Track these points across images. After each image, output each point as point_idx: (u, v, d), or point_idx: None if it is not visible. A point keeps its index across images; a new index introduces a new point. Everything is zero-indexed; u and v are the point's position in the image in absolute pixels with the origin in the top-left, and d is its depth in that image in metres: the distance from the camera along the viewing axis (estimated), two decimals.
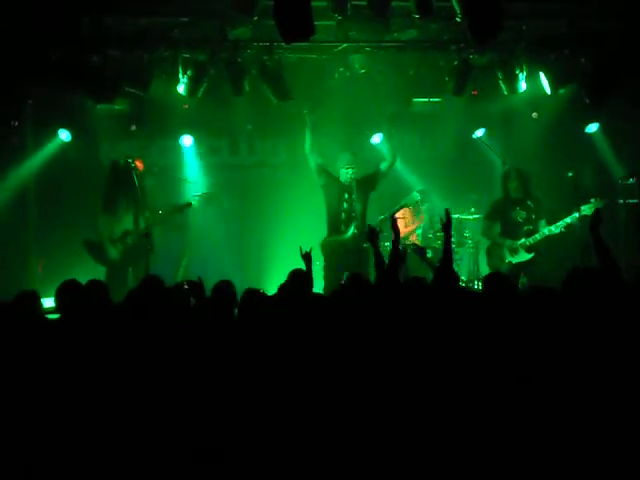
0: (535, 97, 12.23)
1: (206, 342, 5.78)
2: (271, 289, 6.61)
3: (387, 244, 12.66)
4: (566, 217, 10.92)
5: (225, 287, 6.63)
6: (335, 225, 11.13)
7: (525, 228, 11.16)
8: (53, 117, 12.49)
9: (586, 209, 10.65)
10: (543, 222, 11.17)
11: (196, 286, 6.71)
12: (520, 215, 11.16)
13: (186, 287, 6.81)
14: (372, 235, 8.01)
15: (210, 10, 10.80)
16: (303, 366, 5.44)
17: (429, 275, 8.58)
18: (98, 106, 11.77)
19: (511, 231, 11.22)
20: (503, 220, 11.32)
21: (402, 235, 12.70)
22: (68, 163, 12.80)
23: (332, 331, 5.80)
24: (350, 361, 5.47)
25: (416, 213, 12.88)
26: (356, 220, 11.11)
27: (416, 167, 13.79)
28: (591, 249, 10.56)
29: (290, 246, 12.13)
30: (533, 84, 11.77)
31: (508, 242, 11.17)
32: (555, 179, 12.83)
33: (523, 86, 11.66)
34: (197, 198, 12.28)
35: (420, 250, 8.80)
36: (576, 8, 11.01)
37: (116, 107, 12.06)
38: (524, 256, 11.09)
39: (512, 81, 11.63)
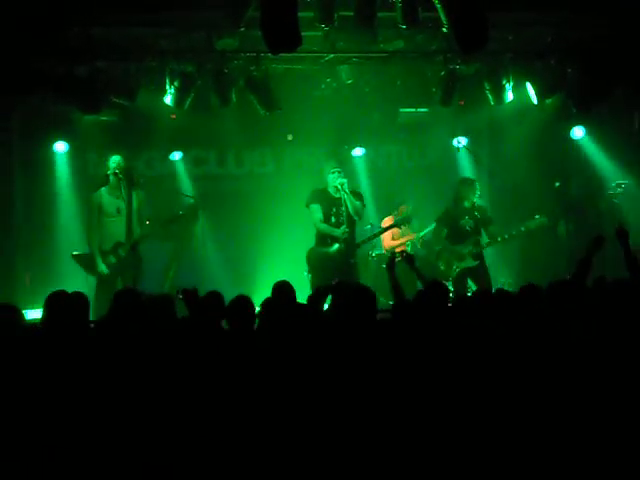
0: (522, 107, 12.23)
1: (193, 353, 5.74)
2: (258, 298, 6.58)
3: (374, 253, 12.69)
4: (512, 230, 11.63)
5: (213, 299, 6.57)
6: (322, 237, 11.07)
7: (472, 237, 11.54)
8: (40, 128, 12.48)
9: (530, 224, 11.51)
10: (491, 229, 11.63)
11: (191, 295, 6.65)
12: (469, 224, 11.57)
13: (180, 296, 6.77)
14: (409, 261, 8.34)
15: (197, 21, 10.80)
16: (297, 378, 5.42)
17: (417, 283, 8.60)
18: (85, 117, 11.71)
19: (459, 238, 11.60)
20: (452, 227, 11.66)
21: (388, 247, 12.75)
22: (56, 174, 12.80)
23: (325, 342, 5.80)
24: (346, 374, 5.45)
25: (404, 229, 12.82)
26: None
27: (403, 177, 13.82)
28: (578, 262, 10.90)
29: (278, 255, 12.21)
30: (520, 94, 11.79)
31: (457, 248, 11.59)
32: (542, 189, 12.88)
33: (510, 96, 11.67)
34: (186, 209, 12.29)
35: (409, 258, 8.78)
36: (562, 18, 11.03)
37: (103, 118, 12.02)
38: (470, 262, 11.50)
39: (499, 91, 11.62)
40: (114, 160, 11.04)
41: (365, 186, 12.43)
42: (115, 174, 10.95)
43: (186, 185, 13.42)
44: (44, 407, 5.20)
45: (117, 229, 10.97)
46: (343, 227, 10.88)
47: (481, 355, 5.52)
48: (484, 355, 5.52)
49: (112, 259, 11.01)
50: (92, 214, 11.11)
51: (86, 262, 11.15)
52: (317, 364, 5.54)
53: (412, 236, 12.82)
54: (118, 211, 11.00)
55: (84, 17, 10.38)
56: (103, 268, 10.93)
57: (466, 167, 13.46)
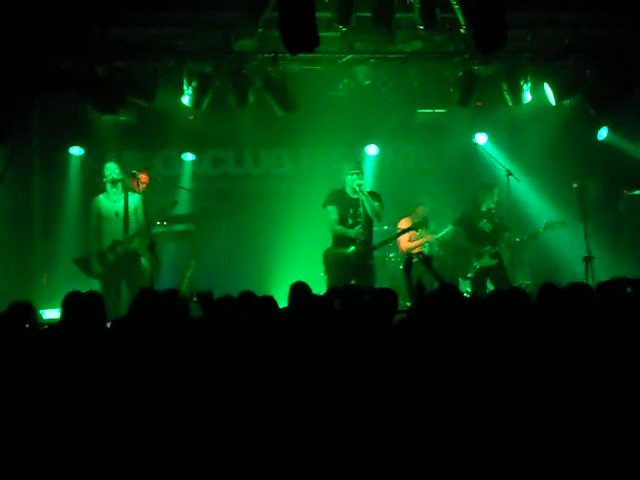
0: (541, 108, 12.19)
1: (215, 354, 5.73)
2: (276, 299, 6.58)
3: (391, 255, 12.69)
4: (531, 231, 12.32)
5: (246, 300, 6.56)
6: (339, 238, 11.01)
7: (490, 238, 11.80)
8: (59, 129, 12.53)
9: (548, 225, 12.19)
10: (506, 235, 11.95)
11: (205, 298, 6.66)
12: (487, 227, 11.84)
13: (195, 299, 6.77)
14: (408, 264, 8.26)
15: (215, 21, 10.82)
16: (320, 381, 5.42)
17: (435, 284, 8.57)
18: (103, 117, 11.75)
19: (477, 239, 11.85)
20: (470, 228, 11.93)
21: (405, 249, 12.73)
22: (74, 174, 12.87)
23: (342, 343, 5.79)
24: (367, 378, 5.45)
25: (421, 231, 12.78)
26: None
27: (420, 178, 13.81)
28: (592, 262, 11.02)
29: (295, 256, 12.20)
30: (538, 95, 11.76)
31: (476, 247, 11.83)
32: (560, 190, 12.83)
33: (528, 97, 11.66)
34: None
35: (426, 259, 8.77)
36: (581, 18, 11.00)
37: (121, 118, 12.05)
38: (489, 261, 11.75)
39: (516, 92, 11.62)
40: (108, 167, 11.39)
41: (380, 186, 12.36)
42: (110, 181, 11.30)
43: (193, 185, 13.43)
44: (59, 404, 5.22)
45: (115, 229, 11.27)
46: (357, 228, 10.82)
47: (495, 355, 5.51)
48: (498, 355, 5.51)
49: (111, 257, 11.23)
50: (91, 220, 11.44)
51: (86, 265, 11.41)
52: (332, 364, 5.54)
53: (429, 237, 12.82)
54: (116, 214, 11.30)
55: (103, 17, 10.43)
56: (97, 269, 11.24)
57: (484, 168, 13.40)
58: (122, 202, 11.24)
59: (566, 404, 5.14)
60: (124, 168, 11.44)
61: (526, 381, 5.27)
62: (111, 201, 11.30)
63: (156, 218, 11.67)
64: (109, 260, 11.20)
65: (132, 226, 11.26)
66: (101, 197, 11.36)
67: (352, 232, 10.84)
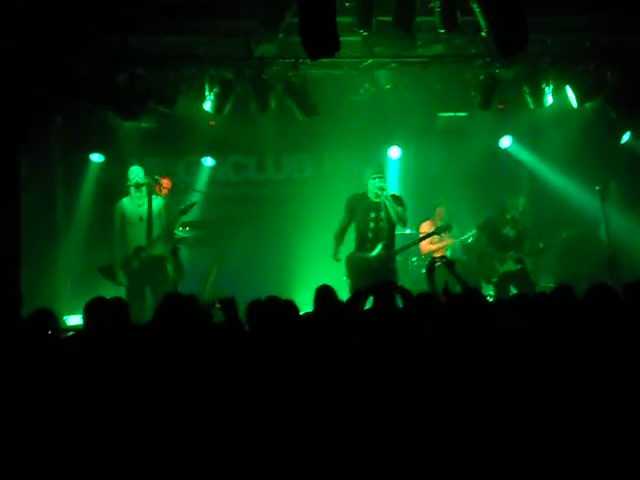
0: (562, 111, 12.15)
1: (239, 360, 5.74)
2: (298, 304, 6.58)
3: (413, 259, 12.68)
4: (554, 237, 12.78)
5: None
6: (361, 242, 11.00)
7: (515, 244, 11.89)
8: (81, 137, 12.58)
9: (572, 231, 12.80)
10: (528, 244, 12.00)
11: (228, 304, 6.67)
12: (511, 233, 11.91)
13: (218, 305, 6.78)
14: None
15: (235, 28, 10.84)
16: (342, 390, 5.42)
17: (457, 288, 8.55)
18: (125, 124, 11.78)
19: (501, 245, 11.89)
20: (494, 234, 11.98)
21: (427, 252, 12.71)
22: (96, 181, 12.93)
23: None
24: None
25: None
26: (383, 240, 10.94)
27: (442, 182, 13.78)
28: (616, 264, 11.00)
29: (318, 260, 12.21)
30: (559, 98, 11.73)
31: (500, 252, 11.84)
32: (583, 193, 12.78)
33: (549, 100, 11.63)
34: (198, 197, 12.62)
35: (449, 263, 8.76)
36: (602, 22, 10.95)
37: (143, 124, 12.09)
38: (512, 266, 11.78)
39: (538, 95, 11.60)
40: (133, 171, 11.34)
41: (402, 190, 12.35)
42: (134, 184, 11.24)
43: (213, 191, 13.47)
44: (80, 407, 5.25)
45: (139, 234, 11.19)
46: (378, 248, 10.84)
47: (515, 358, 5.51)
48: (518, 358, 5.51)
49: (135, 264, 11.19)
50: (115, 224, 11.34)
51: (110, 273, 11.34)
52: (359, 368, 5.55)
53: (451, 241, 12.81)
54: (140, 219, 11.22)
55: (123, 25, 10.47)
56: (121, 279, 11.20)
57: (506, 171, 13.38)
58: (146, 206, 11.16)
59: (585, 407, 5.14)
60: (146, 174, 11.46)
61: (548, 385, 5.27)
62: (135, 205, 11.25)
63: (176, 222, 11.67)
64: (134, 267, 11.16)
65: (156, 230, 11.19)
66: (125, 200, 11.31)
67: (334, 254, 11.08)
